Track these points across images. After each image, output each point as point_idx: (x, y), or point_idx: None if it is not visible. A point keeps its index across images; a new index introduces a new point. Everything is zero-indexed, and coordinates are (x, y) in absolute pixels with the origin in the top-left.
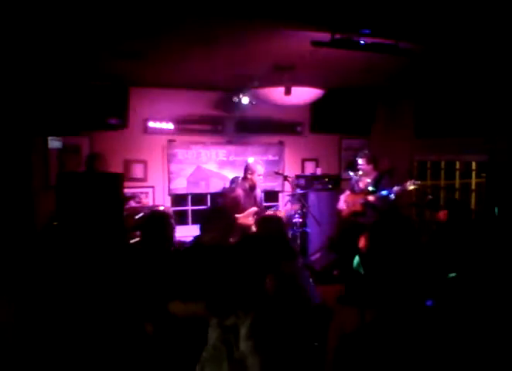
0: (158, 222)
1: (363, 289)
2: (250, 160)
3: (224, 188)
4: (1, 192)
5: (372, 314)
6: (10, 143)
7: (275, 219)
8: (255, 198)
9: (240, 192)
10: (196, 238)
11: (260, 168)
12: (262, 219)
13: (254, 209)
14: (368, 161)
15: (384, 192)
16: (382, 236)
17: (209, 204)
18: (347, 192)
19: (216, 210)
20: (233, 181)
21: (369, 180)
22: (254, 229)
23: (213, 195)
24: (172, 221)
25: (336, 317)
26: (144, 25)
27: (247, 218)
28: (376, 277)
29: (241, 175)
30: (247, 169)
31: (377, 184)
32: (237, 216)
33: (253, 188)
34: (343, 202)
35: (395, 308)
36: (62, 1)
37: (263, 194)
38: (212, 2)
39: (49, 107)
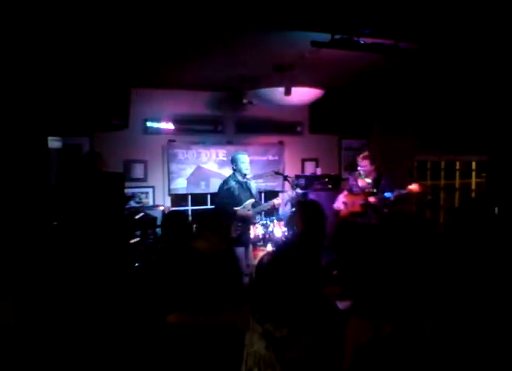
0: (182, 222)
1: (376, 301)
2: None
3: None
4: (1, 191)
5: (387, 327)
6: (15, 143)
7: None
8: (250, 190)
9: (233, 183)
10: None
11: (241, 156)
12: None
13: (252, 200)
14: (371, 162)
15: (387, 194)
16: (392, 238)
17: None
18: (345, 193)
19: (212, 218)
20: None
21: (369, 181)
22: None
23: (213, 195)
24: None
25: (349, 327)
26: (146, 27)
27: (245, 209)
28: (389, 288)
29: None
30: (231, 162)
31: (378, 184)
32: (235, 208)
33: (245, 178)
34: (342, 202)
35: (412, 321)
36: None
37: (258, 188)
38: (213, 5)
39: (52, 108)
